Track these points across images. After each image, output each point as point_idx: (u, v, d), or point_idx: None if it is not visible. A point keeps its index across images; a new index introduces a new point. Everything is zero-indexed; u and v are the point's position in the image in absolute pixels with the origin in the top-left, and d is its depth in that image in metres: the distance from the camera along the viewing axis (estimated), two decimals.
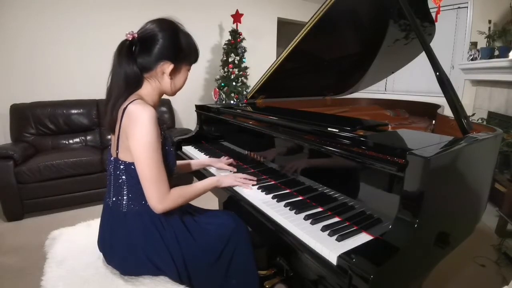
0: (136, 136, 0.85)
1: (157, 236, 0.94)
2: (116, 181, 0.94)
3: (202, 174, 1.38)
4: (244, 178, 1.13)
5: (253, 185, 1.13)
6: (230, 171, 1.30)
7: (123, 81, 0.90)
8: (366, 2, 1.33)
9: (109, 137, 2.94)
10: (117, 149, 0.92)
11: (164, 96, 1.00)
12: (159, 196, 0.89)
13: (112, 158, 0.95)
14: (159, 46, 0.91)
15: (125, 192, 0.94)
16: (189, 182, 1.11)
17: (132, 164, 0.90)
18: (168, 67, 0.93)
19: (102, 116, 3.00)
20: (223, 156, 1.43)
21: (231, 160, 1.38)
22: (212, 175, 1.31)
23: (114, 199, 0.96)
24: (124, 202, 0.94)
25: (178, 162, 1.24)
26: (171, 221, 0.97)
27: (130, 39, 0.90)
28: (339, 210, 0.89)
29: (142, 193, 0.92)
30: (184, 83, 1.03)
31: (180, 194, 0.96)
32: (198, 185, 1.06)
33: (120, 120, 0.89)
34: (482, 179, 1.03)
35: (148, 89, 0.95)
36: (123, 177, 0.93)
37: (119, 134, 0.90)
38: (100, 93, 3.11)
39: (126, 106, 0.87)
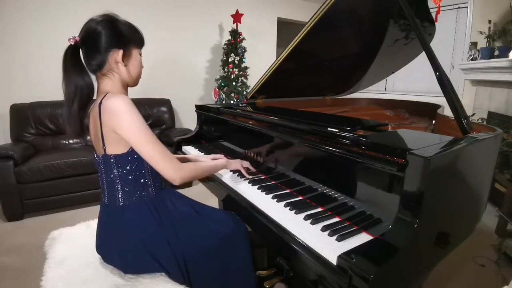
0: (125, 125, 0.87)
1: (155, 225, 0.95)
2: (108, 177, 0.96)
3: None
4: (247, 167, 1.22)
5: (251, 177, 1.19)
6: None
7: (78, 92, 0.90)
8: (366, 2, 1.33)
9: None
10: (104, 145, 0.92)
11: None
12: (173, 167, 0.93)
13: (101, 156, 0.96)
14: (103, 37, 0.90)
15: (118, 187, 0.95)
16: None
17: (121, 156, 0.92)
18: (118, 53, 0.93)
19: None
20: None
21: (220, 156, 1.40)
22: None
23: (109, 195, 0.98)
24: (119, 196, 0.95)
25: (179, 156, 1.34)
26: (168, 211, 0.98)
27: (73, 43, 0.90)
28: (339, 210, 0.89)
29: (136, 184, 0.95)
30: (139, 68, 1.02)
31: (194, 166, 1.04)
32: (210, 162, 1.16)
33: (99, 118, 0.89)
34: (482, 179, 1.03)
35: (110, 84, 0.95)
36: (114, 171, 0.94)
37: (101, 131, 0.90)
38: None
39: (100, 102, 0.88)
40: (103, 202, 1.01)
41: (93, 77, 0.95)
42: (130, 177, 0.94)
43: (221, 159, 1.22)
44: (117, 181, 0.95)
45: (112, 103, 0.87)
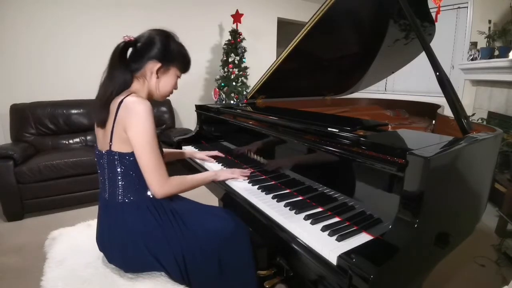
0: (136, 127, 0.90)
1: (154, 224, 0.96)
2: (111, 173, 0.97)
3: (195, 169, 1.42)
4: (239, 174, 1.19)
5: (247, 178, 1.18)
6: (215, 161, 1.43)
7: (115, 82, 0.95)
8: (366, 2, 1.33)
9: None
10: (110, 141, 0.94)
11: None
12: (159, 181, 0.94)
13: (104, 152, 0.97)
14: (150, 47, 0.98)
15: (120, 183, 0.96)
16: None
17: (127, 154, 0.94)
18: (155, 65, 0.99)
19: None
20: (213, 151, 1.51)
21: (215, 152, 1.47)
22: (198, 165, 1.45)
23: (109, 191, 0.99)
24: (119, 192, 0.97)
25: (169, 150, 1.39)
26: (167, 211, 0.99)
27: (127, 41, 0.96)
28: (339, 210, 0.89)
29: (136, 183, 0.96)
30: (171, 87, 1.07)
31: (180, 181, 1.03)
32: (197, 176, 1.14)
33: (115, 113, 0.92)
34: (482, 179, 1.03)
35: (137, 87, 1.00)
36: (117, 168, 0.95)
37: (113, 126, 0.93)
38: None
39: (122, 100, 0.92)
40: (103, 197, 1.02)
41: None
42: (132, 176, 0.96)
43: (209, 171, 1.22)
44: (119, 177, 0.96)
45: (134, 103, 0.90)
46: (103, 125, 0.97)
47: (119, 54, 0.95)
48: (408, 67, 1.94)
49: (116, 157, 0.94)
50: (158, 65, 1.00)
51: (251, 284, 1.08)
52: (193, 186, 1.10)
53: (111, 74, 0.96)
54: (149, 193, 1.00)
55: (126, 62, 0.98)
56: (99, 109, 0.95)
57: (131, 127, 0.90)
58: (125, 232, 0.95)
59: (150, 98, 1.06)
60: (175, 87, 1.09)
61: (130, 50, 0.99)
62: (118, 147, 0.94)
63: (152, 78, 1.01)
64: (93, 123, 1.04)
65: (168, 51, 1.01)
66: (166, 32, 1.02)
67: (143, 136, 0.90)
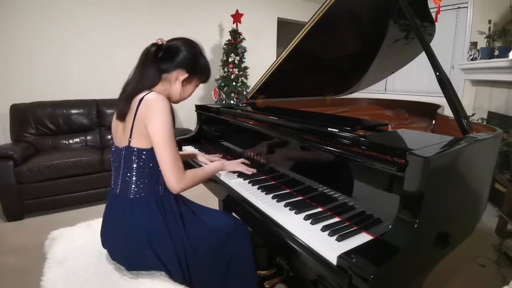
0: (156, 123, 0.92)
1: (161, 222, 0.97)
2: (126, 168, 0.98)
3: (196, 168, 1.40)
4: (244, 167, 1.23)
5: (252, 173, 1.22)
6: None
7: (145, 80, 1.00)
8: (366, 2, 1.33)
9: (108, 137, 2.95)
10: (130, 137, 0.96)
11: None
12: (177, 176, 0.96)
13: (122, 147, 0.99)
14: (181, 56, 1.03)
15: (133, 179, 0.98)
16: None
17: (144, 150, 0.96)
18: (183, 75, 1.04)
19: (102, 116, 3.02)
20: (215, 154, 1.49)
21: (217, 158, 1.45)
22: (198, 165, 1.43)
23: (121, 186, 1.00)
24: (132, 188, 0.98)
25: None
26: (173, 211, 1.01)
27: (160, 43, 1.02)
28: (339, 210, 0.89)
29: (150, 179, 0.98)
30: (190, 95, 1.14)
31: (193, 175, 1.04)
32: (206, 168, 1.17)
33: (136, 110, 0.94)
34: (482, 179, 1.03)
35: (160, 88, 1.04)
36: (133, 164, 0.97)
37: (133, 122, 0.95)
38: (100, 93, 3.12)
39: (143, 97, 0.95)
40: (113, 192, 1.03)
41: None
42: (146, 172, 0.98)
43: (216, 161, 1.25)
44: (134, 173, 0.98)
45: (154, 100, 0.94)
46: (122, 118, 0.98)
47: (153, 54, 1.00)
48: (408, 67, 1.94)
49: (134, 152, 0.96)
50: (186, 75, 1.04)
51: (251, 284, 1.09)
52: (204, 178, 1.13)
53: (142, 71, 1.00)
54: (160, 190, 1.01)
55: (156, 63, 1.01)
56: (124, 102, 0.98)
57: (152, 123, 0.92)
58: (130, 227, 0.96)
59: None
60: (191, 94, 1.15)
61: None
62: (137, 143, 0.96)
63: (176, 84, 1.05)
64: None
65: (196, 65, 1.07)
66: (198, 46, 1.09)
67: (163, 132, 0.92)
